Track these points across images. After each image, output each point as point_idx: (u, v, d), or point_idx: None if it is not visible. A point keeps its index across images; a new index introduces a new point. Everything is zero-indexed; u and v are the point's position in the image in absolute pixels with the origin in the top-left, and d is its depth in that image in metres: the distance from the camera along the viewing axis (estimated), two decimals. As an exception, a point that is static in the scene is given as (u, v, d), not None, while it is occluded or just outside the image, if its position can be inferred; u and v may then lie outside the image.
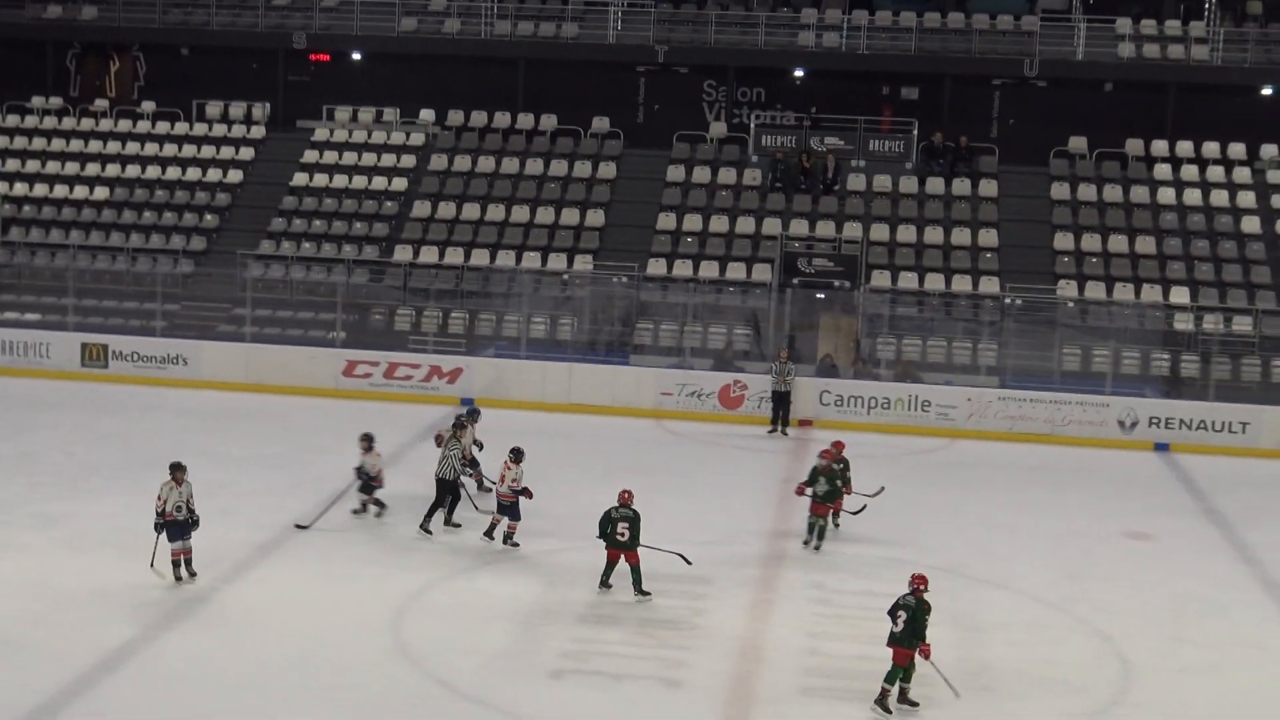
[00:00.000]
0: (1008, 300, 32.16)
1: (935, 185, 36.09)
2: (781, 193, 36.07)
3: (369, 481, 21.29)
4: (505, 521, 20.16)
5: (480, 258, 34.50)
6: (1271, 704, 15.98)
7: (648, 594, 18.14)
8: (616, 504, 18.40)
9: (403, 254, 34.66)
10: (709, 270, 33.86)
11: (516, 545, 20.23)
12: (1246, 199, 35.26)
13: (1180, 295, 32.68)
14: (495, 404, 30.16)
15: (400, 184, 37.10)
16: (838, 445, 21.27)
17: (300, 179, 37.51)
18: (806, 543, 20.53)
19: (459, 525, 20.86)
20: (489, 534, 20.25)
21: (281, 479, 23.40)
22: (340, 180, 37.37)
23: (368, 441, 21.24)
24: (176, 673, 15.34)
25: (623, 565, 18.18)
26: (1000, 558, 20.82)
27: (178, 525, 18.03)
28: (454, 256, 34.51)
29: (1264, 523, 23.66)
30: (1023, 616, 18.42)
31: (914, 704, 15.16)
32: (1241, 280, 33.18)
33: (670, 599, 18.19)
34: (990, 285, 33.10)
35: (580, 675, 15.81)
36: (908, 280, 33.32)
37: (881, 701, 15.08)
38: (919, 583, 15.27)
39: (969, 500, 24.20)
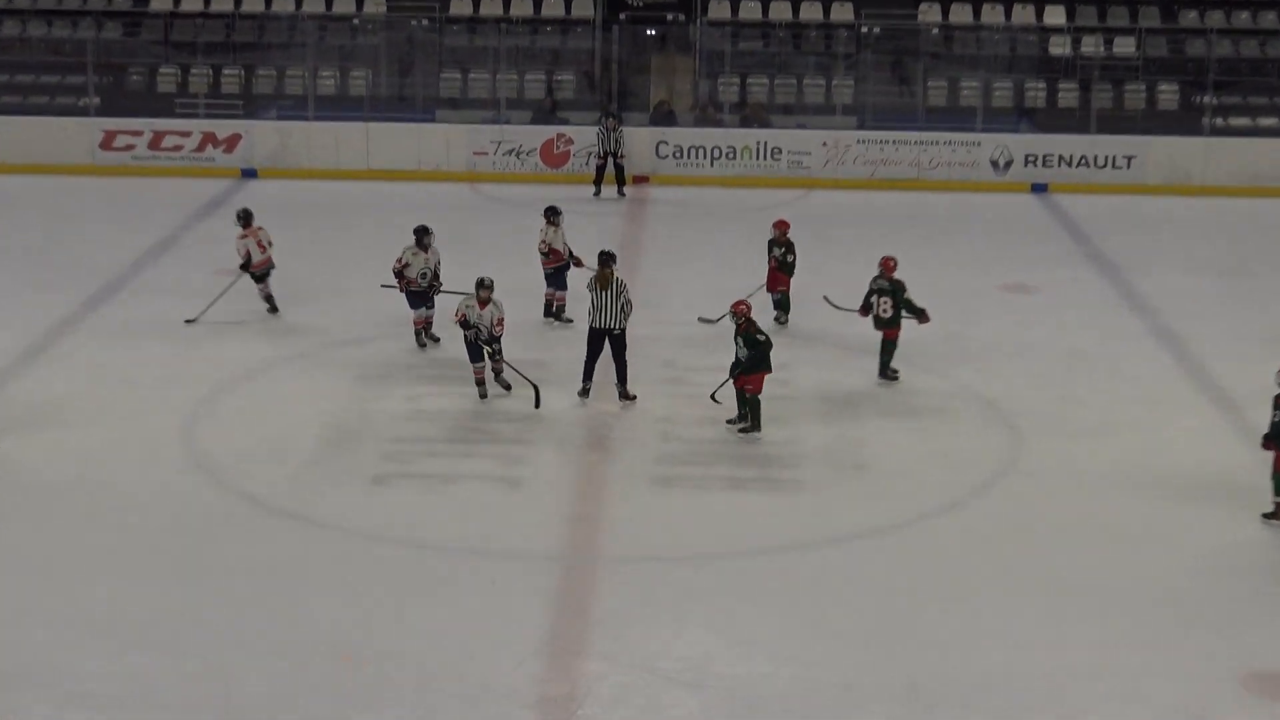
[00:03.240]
0: (864, 29, 32.07)
1: (777, -102, 35.62)
2: (601, -87, 35.34)
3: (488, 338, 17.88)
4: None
5: (253, 3, 33.30)
6: (1167, 461, 16.48)
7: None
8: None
9: (161, 2, 33.36)
10: (522, 8, 33.15)
11: (569, 321, 20.49)
12: (1126, -98, 35.37)
13: (1055, 16, 32.84)
14: (282, 174, 29.64)
15: (151, -82, 35.57)
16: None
17: (29, -84, 35.75)
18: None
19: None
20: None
21: (43, 271, 22.77)
22: (78, -84, 35.70)
23: (488, 290, 17.80)
24: (-67, 505, 15.02)
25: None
26: (869, 322, 21.02)
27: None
28: (222, 3, 33.29)
29: (1154, 267, 24.23)
30: (898, 386, 18.70)
31: None
32: (1122, -5, 33.45)
33: (500, 387, 18.12)
34: (843, 13, 32.92)
35: (406, 480, 15.78)
36: (750, 10, 33.00)
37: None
38: None
39: (830, 259, 24.33)
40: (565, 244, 20.90)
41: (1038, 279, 23.49)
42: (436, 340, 19.65)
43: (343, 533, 14.46)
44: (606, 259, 17.97)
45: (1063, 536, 14.62)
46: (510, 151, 30.04)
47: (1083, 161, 29.76)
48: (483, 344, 17.74)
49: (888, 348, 18.74)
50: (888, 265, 18.89)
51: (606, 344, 17.74)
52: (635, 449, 16.65)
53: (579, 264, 20.52)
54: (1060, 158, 29.80)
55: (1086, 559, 14.16)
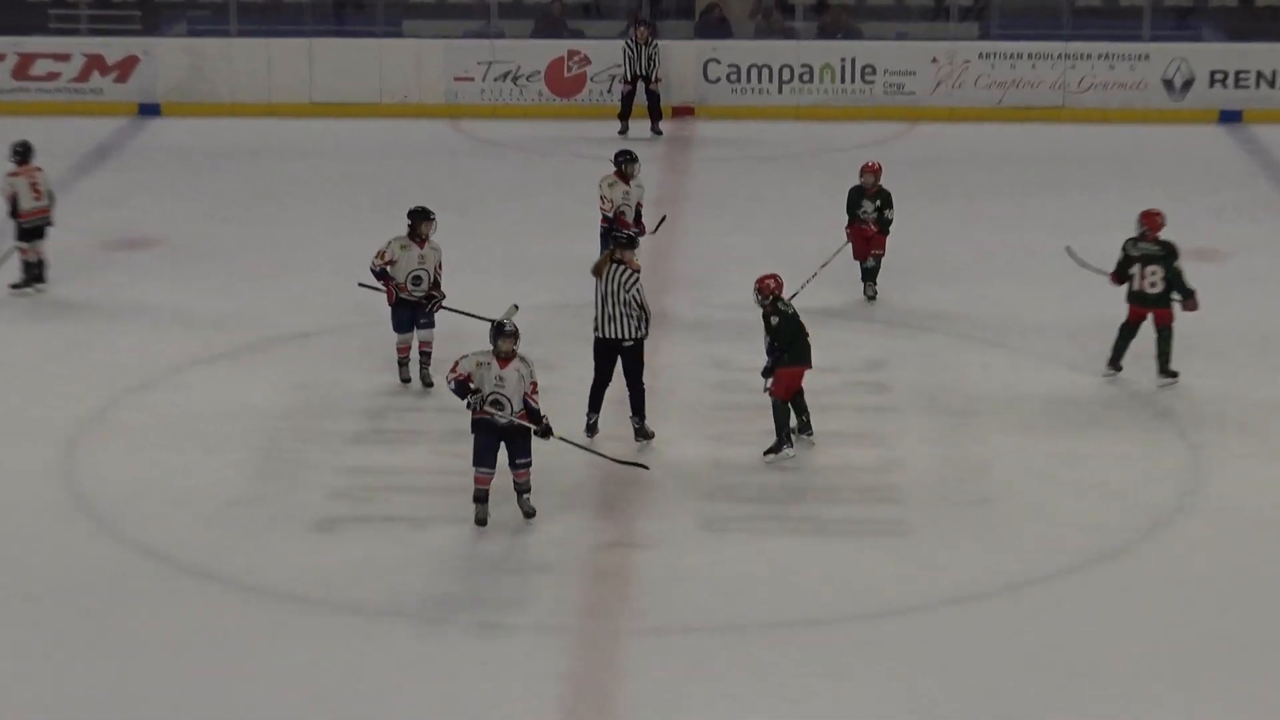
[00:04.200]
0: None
1: None
2: None
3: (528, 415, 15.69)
4: None
5: (153, -124, 33.59)
6: None
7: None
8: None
9: (26, -124, 33.64)
10: (519, -124, 33.32)
11: None
12: None
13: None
14: (195, 110, 29.83)
15: None
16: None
17: None
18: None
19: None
20: None
21: None
22: None
23: (511, 339, 15.59)
24: None
25: None
26: (996, 301, 21.13)
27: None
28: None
29: (1389, 223, 24.27)
30: (1035, 388, 18.78)
31: None
32: None
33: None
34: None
35: (362, 525, 15.86)
36: (831, -125, 33.09)
37: None
38: None
39: (942, 216, 24.43)
40: (638, 205, 20.78)
41: (1229, 241, 23.47)
42: (430, 385, 18.43)
43: (277, 597, 14.51)
44: (622, 241, 17.46)
45: (1262, 595, 14.56)
46: (505, 76, 30.15)
47: (1289, 79, 29.81)
48: (508, 424, 15.40)
49: (1165, 337, 18.47)
50: (1154, 221, 18.51)
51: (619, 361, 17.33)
52: (676, 481, 16.68)
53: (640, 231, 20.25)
54: (1259, 75, 29.84)
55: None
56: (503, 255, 22.38)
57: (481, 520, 15.65)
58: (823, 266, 20.14)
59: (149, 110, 29.97)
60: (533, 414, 15.38)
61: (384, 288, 18.29)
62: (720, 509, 16.16)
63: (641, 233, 20.17)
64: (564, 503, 16.18)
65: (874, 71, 30.06)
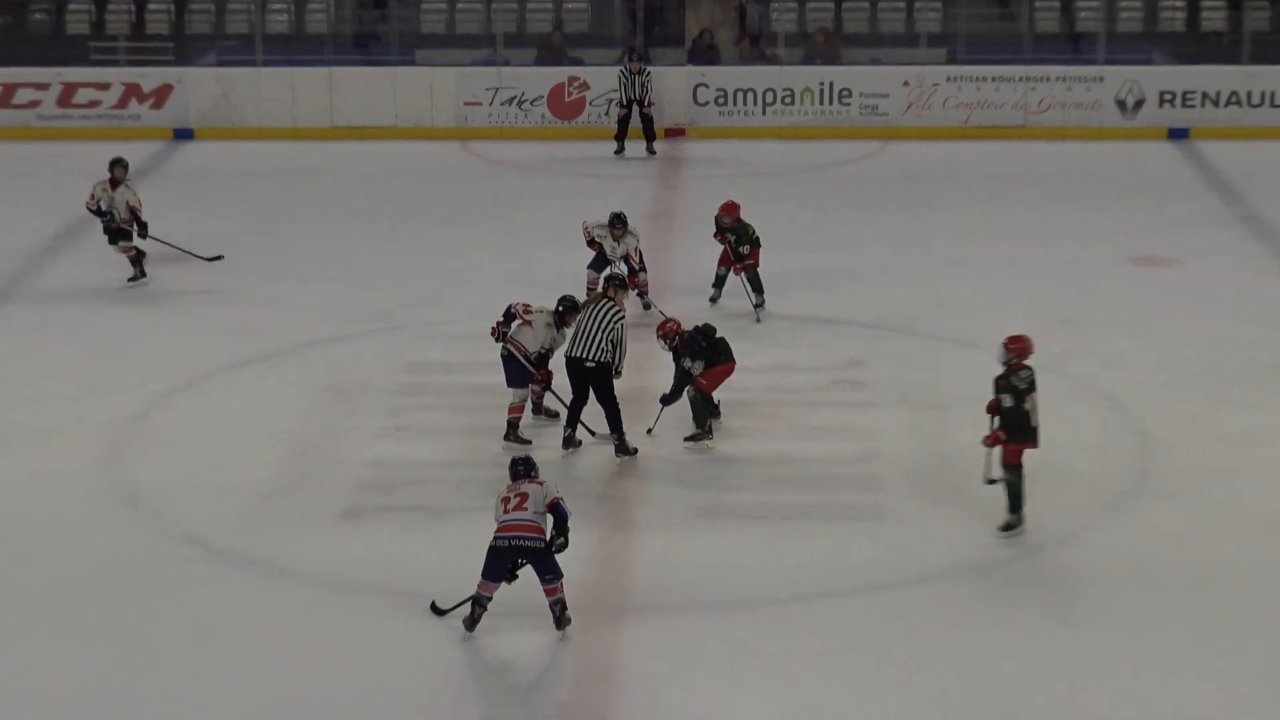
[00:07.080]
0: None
1: None
2: None
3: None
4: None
5: (184, -80, 33.60)
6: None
7: None
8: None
9: (67, -79, 33.64)
10: (522, -82, 33.34)
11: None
12: None
13: (1196, -88, 32.89)
14: (224, 135, 29.88)
15: None
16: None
17: None
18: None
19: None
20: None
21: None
22: None
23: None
24: None
25: None
26: (964, 305, 21.21)
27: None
28: (144, -80, 33.56)
29: (1326, 232, 24.32)
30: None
31: None
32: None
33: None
34: (927, -85, 33.00)
35: (387, 514, 15.92)
36: (810, -85, 33.15)
37: None
38: None
39: (915, 227, 24.50)
40: (631, 252, 20.67)
41: (1178, 249, 23.50)
42: (555, 414, 17.71)
43: (308, 582, 14.58)
44: (618, 280, 17.81)
45: (1219, 581, 14.50)
46: (510, 100, 30.22)
47: (1233, 99, 29.82)
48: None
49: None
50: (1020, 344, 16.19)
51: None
52: (671, 472, 16.79)
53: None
54: (1205, 95, 29.88)
55: (1254, 610, 14.06)
56: (509, 264, 22.50)
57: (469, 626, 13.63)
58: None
59: (183, 134, 30.07)
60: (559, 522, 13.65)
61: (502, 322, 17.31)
62: (711, 498, 16.23)
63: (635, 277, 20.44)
64: (565, 495, 16.22)
65: (850, 94, 30.14)
